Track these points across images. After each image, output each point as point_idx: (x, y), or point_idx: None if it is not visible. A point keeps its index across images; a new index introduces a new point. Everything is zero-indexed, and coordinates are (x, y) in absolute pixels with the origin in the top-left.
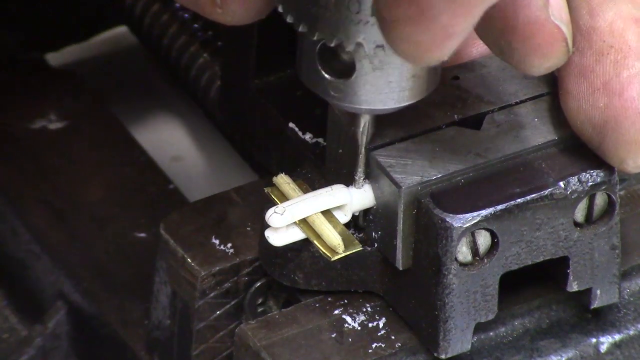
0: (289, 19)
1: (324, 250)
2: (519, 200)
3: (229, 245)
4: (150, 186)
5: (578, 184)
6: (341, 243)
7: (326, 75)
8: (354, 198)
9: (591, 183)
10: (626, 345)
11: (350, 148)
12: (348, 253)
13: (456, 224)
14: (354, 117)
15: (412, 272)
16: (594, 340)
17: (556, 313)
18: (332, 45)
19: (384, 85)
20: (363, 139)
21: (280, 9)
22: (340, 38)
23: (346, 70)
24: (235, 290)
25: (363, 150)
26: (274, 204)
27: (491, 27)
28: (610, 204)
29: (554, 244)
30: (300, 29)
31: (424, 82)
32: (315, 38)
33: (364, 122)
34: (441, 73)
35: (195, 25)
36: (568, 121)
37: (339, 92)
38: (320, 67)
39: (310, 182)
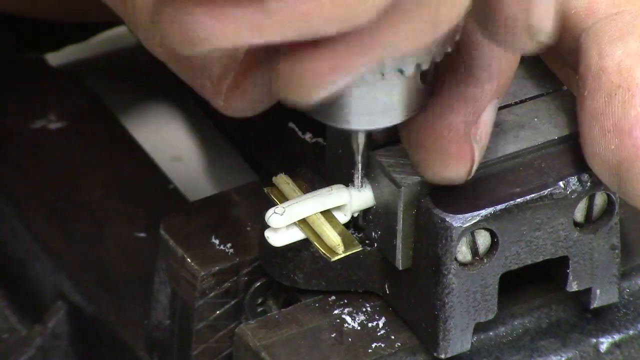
0: None
1: (324, 251)
2: (518, 200)
3: (229, 245)
4: (150, 186)
5: (578, 183)
6: (341, 243)
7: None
8: (354, 198)
9: (591, 183)
10: (626, 345)
11: (350, 149)
12: (348, 253)
13: (456, 223)
14: (348, 132)
15: (411, 272)
16: (593, 340)
17: (556, 313)
18: None
19: (374, 106)
20: (359, 151)
21: None
22: None
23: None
24: (235, 290)
25: (359, 157)
26: (273, 204)
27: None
28: (610, 204)
29: (554, 243)
30: None
31: (414, 100)
32: None
33: (359, 138)
34: None
35: None
36: (589, 167)
37: (331, 115)
38: None
39: (310, 182)
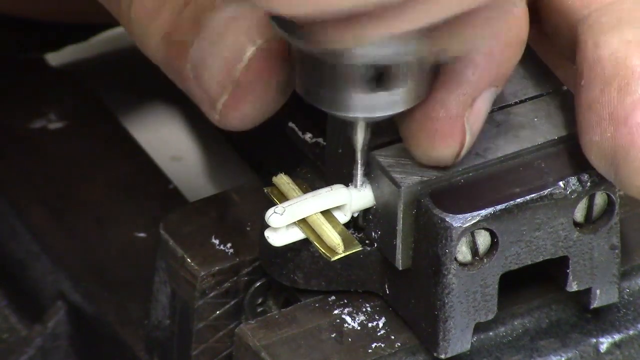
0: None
1: (324, 251)
2: (518, 200)
3: (229, 245)
4: (150, 186)
5: (578, 183)
6: (341, 243)
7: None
8: (354, 198)
9: (591, 183)
10: (626, 345)
11: (350, 148)
12: (348, 253)
13: (456, 223)
14: (349, 122)
15: (411, 272)
16: (593, 340)
17: (556, 313)
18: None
19: (376, 94)
20: (359, 143)
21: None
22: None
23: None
24: (235, 290)
25: (360, 154)
26: (273, 204)
27: None
28: (610, 204)
29: (554, 243)
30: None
31: (415, 89)
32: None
33: (359, 128)
34: None
35: None
36: (586, 157)
37: (332, 102)
38: (315, 78)
39: (310, 182)
